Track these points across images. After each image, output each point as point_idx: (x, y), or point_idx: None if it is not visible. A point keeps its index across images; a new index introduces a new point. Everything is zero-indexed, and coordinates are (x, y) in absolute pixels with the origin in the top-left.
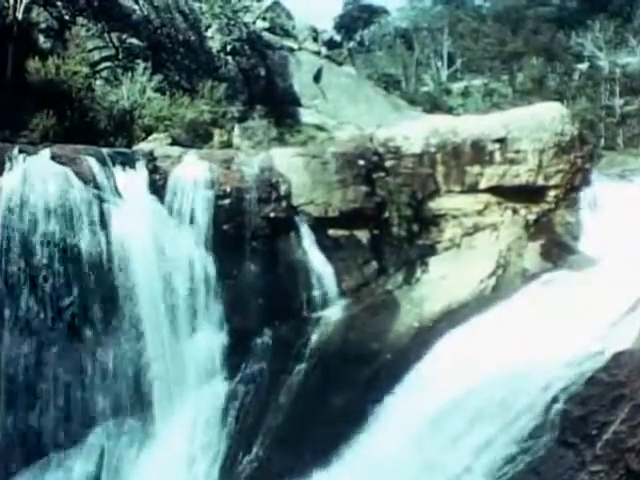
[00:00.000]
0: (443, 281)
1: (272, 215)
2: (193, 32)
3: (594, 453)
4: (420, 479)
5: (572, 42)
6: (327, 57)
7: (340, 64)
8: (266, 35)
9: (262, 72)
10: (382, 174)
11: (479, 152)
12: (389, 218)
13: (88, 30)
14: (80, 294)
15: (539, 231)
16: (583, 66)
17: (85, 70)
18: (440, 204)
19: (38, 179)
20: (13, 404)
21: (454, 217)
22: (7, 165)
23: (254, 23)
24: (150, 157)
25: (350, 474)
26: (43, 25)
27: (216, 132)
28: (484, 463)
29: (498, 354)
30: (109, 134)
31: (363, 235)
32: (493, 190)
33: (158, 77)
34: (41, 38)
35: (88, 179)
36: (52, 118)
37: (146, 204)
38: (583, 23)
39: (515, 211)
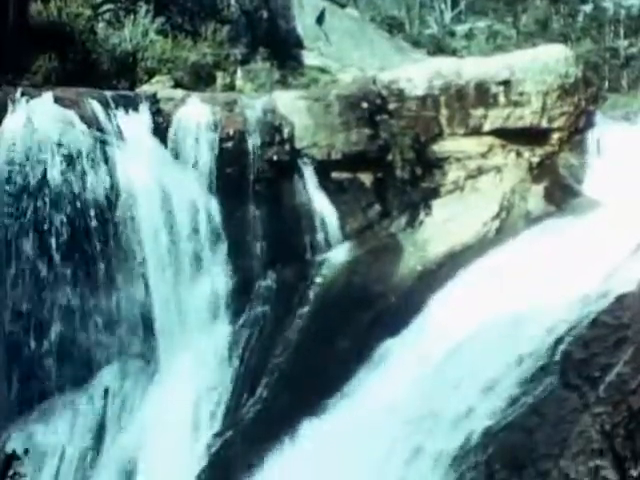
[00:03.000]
0: (446, 224)
1: (275, 158)
2: None
3: (597, 395)
4: (423, 421)
5: None
6: None
7: (343, 6)
8: None
9: (265, 14)
10: (385, 117)
11: (483, 94)
12: (392, 161)
13: None
14: (83, 237)
15: (543, 174)
16: (587, 7)
17: (87, 12)
18: (444, 147)
19: (41, 122)
20: (18, 347)
21: (458, 160)
22: (10, 108)
23: None
24: (153, 100)
25: (354, 416)
26: None
27: (219, 75)
28: (488, 405)
29: (502, 297)
30: (112, 77)
31: (366, 178)
32: (497, 133)
33: (161, 19)
34: None
35: (91, 122)
36: (54, 61)
37: (149, 147)
38: None
39: (519, 154)
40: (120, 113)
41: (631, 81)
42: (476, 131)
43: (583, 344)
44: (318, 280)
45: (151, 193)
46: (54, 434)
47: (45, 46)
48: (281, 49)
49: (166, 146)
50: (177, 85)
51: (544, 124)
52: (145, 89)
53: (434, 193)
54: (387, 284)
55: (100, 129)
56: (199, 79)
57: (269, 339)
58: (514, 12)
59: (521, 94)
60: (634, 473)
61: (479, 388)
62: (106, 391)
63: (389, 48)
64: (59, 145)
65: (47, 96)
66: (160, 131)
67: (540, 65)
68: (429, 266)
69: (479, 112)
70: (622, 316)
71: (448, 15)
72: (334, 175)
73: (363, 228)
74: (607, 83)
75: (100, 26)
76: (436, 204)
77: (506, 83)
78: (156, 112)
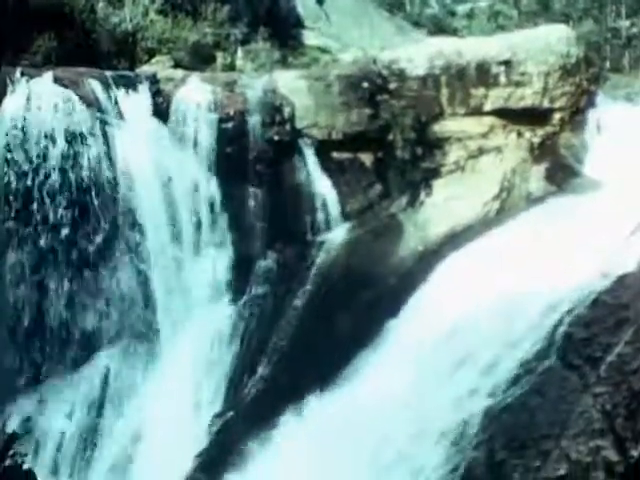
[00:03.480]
0: (447, 204)
1: (276, 138)
2: None
3: (598, 375)
4: (425, 401)
5: None
6: None
7: None
8: None
9: None
10: (386, 97)
11: (484, 74)
12: (393, 141)
13: None
14: (84, 217)
15: (544, 154)
16: None
17: None
18: (444, 127)
19: (41, 102)
20: (19, 327)
21: (458, 140)
22: (10, 88)
23: None
24: (153, 80)
25: (354, 397)
26: None
27: (219, 54)
28: (489, 385)
29: (502, 277)
30: (112, 57)
31: (367, 158)
32: (498, 113)
33: None
34: None
35: (91, 102)
36: (54, 41)
37: (149, 127)
38: None
39: (520, 134)
40: (120, 93)
41: (632, 61)
42: (477, 111)
43: (584, 324)
44: (318, 260)
45: (151, 173)
46: (55, 414)
47: (45, 26)
48: (282, 29)
49: (166, 126)
50: (177, 65)
51: (545, 104)
52: (145, 69)
53: (435, 173)
54: (388, 264)
55: (100, 109)
56: (199, 59)
57: (270, 319)
58: None
59: (522, 74)
60: (635, 453)
61: (480, 368)
62: (107, 371)
63: (389, 28)
64: (59, 125)
65: (47, 76)
66: (160, 111)
67: (541, 45)
68: (430, 246)
69: (480, 92)
70: (622, 296)
71: None
72: (335, 155)
73: (364, 208)
74: (608, 63)
75: (100, 5)
76: (437, 184)
77: (507, 63)
78: (156, 92)
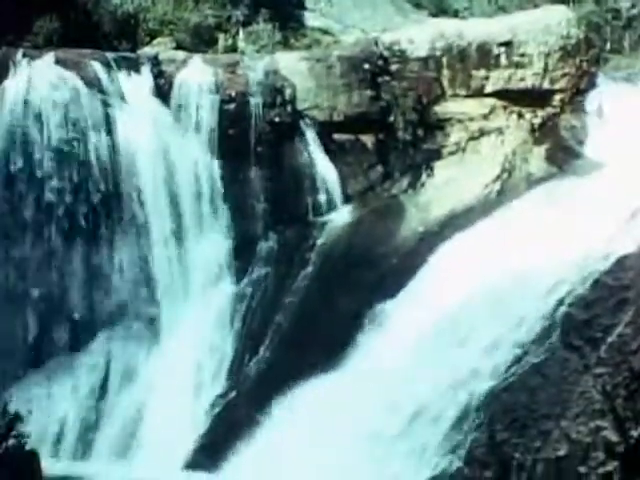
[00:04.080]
0: (448, 185)
1: (277, 120)
2: None
3: (598, 356)
4: (427, 382)
5: None
6: None
7: None
8: None
9: None
10: (387, 78)
11: (485, 56)
12: (394, 122)
13: None
14: (85, 198)
15: (544, 135)
16: None
17: None
18: (445, 108)
19: (43, 83)
20: (20, 307)
21: (459, 121)
22: (11, 69)
23: None
24: (155, 61)
25: (355, 377)
26: None
27: (220, 36)
28: (490, 365)
29: (503, 258)
30: (113, 38)
31: (368, 139)
32: (499, 94)
33: None
34: None
35: (93, 83)
36: (56, 22)
37: (151, 108)
38: None
39: (521, 115)
40: (122, 75)
41: (633, 42)
42: (478, 92)
43: (584, 305)
44: (320, 241)
45: (153, 154)
46: (57, 396)
47: (46, 7)
48: (283, 10)
49: (168, 108)
50: (179, 47)
51: (546, 85)
52: (147, 51)
53: (436, 155)
54: (389, 245)
55: (102, 91)
56: (201, 41)
57: (271, 300)
58: None
59: (523, 55)
60: (635, 434)
61: (481, 349)
62: (108, 352)
63: (390, 9)
64: (61, 107)
65: (48, 57)
66: (162, 93)
67: (542, 26)
68: (431, 227)
69: (481, 73)
70: (623, 277)
71: None
72: (336, 137)
73: (365, 190)
74: (609, 44)
75: None
76: (438, 166)
77: (508, 44)
78: (158, 74)
